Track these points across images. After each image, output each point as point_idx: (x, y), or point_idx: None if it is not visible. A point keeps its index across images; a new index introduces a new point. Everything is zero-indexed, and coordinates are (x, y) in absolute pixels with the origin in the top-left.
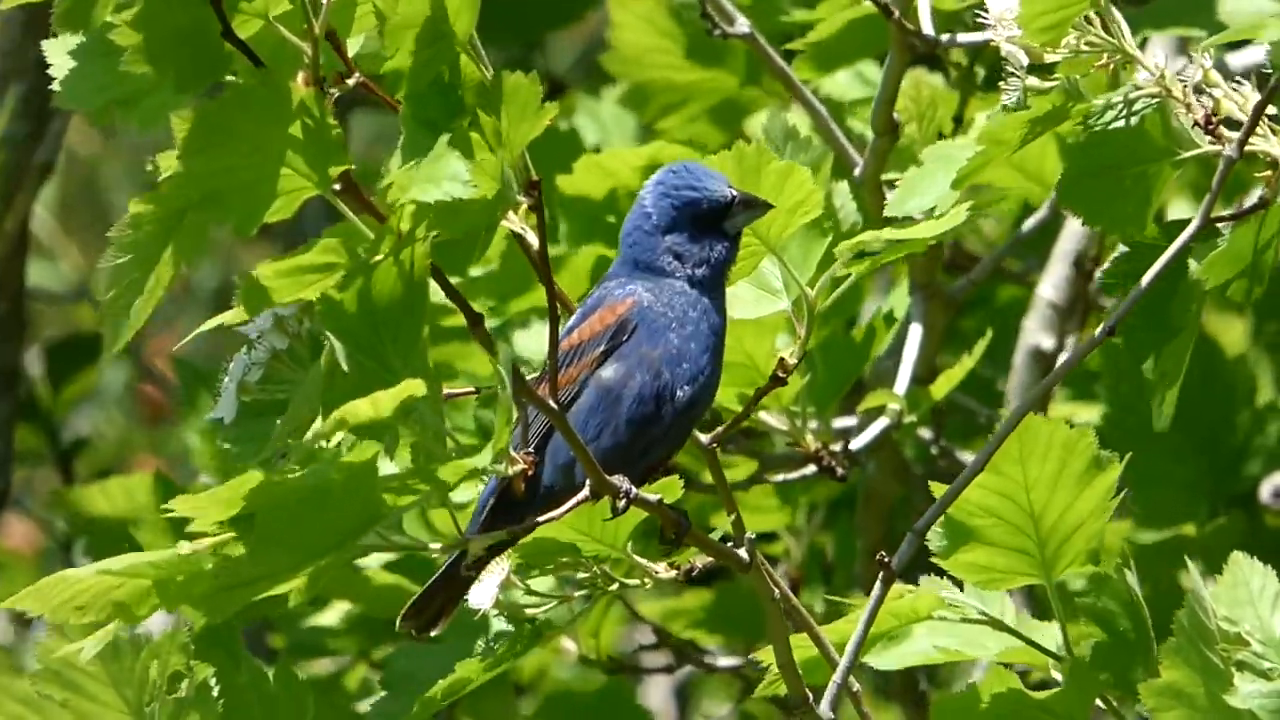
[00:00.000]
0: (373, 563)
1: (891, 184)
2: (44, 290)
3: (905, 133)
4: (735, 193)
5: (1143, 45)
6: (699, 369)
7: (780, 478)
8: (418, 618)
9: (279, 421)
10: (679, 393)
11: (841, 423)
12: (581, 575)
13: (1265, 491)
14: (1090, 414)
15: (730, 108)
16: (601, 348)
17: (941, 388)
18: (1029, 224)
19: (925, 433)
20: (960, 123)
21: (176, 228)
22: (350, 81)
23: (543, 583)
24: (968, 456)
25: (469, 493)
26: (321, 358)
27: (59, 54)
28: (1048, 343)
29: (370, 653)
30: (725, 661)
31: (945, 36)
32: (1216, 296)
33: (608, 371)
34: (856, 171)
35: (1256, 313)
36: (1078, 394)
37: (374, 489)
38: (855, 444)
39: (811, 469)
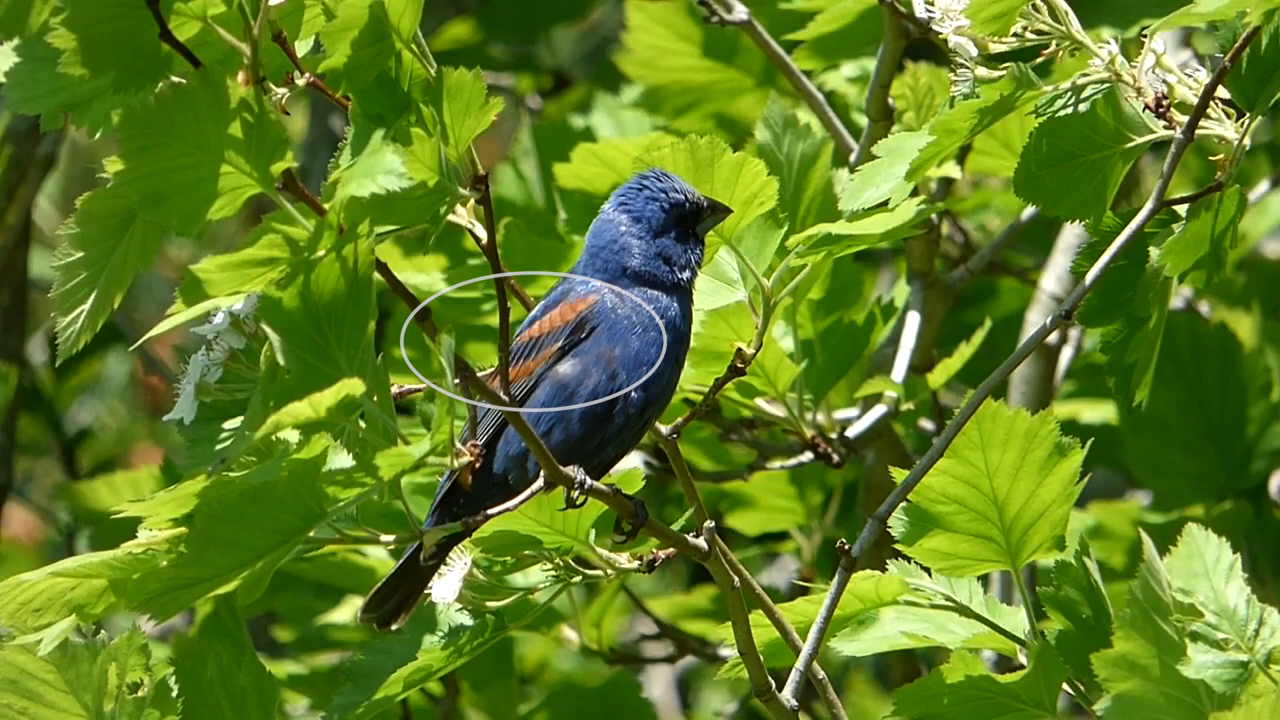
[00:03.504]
0: (380, 554)
1: None
2: (47, 280)
3: (903, 121)
4: (708, 199)
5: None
6: (656, 373)
7: (777, 465)
8: (378, 610)
9: (225, 425)
10: (634, 395)
11: (843, 414)
12: (545, 568)
13: (1276, 485)
14: (1096, 411)
15: (744, 108)
16: (559, 343)
17: (939, 377)
18: (1027, 213)
19: (927, 424)
20: None
21: (127, 227)
22: (300, 81)
23: (528, 576)
24: None
25: None
26: (262, 355)
27: (6, 59)
28: (1051, 335)
29: None
30: (728, 652)
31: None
32: (1223, 292)
33: (564, 367)
34: (851, 157)
35: (1263, 308)
36: (1084, 390)
37: (317, 484)
38: (852, 431)
39: (808, 456)
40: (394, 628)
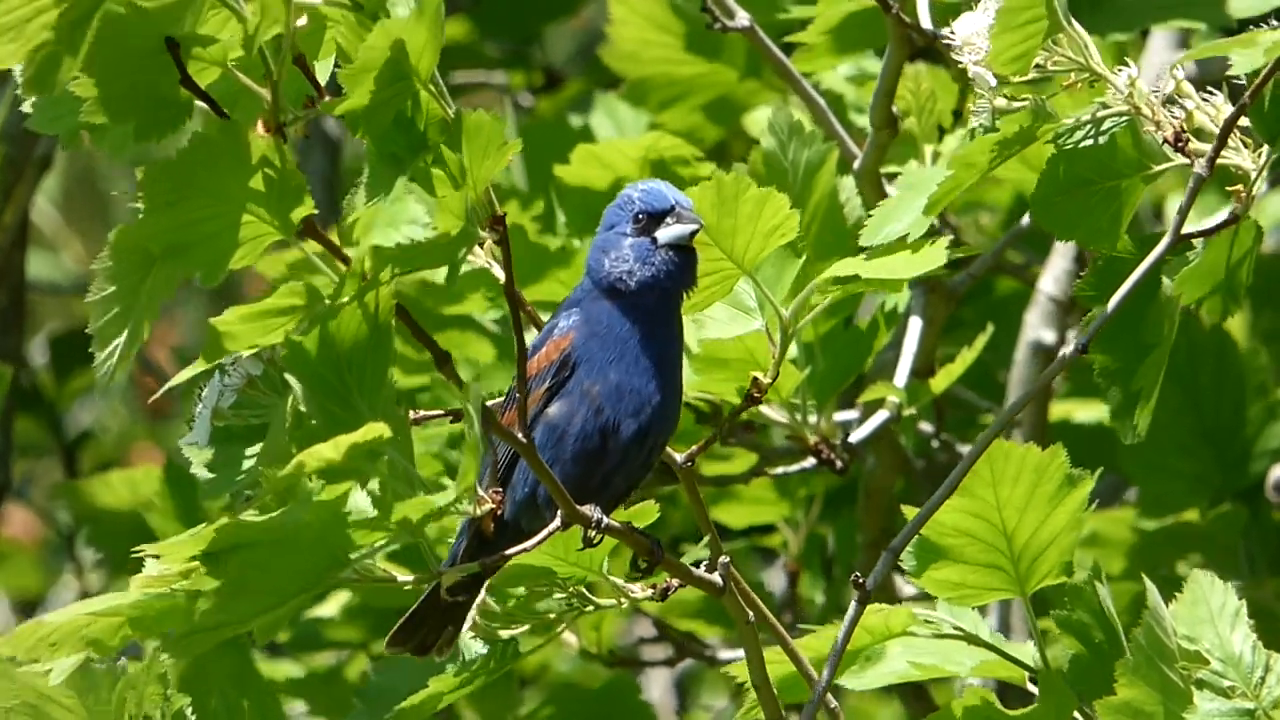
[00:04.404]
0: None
1: (890, 177)
2: (44, 281)
3: (904, 125)
4: (681, 209)
5: (1144, 38)
6: (644, 400)
7: (780, 471)
8: (406, 643)
9: (250, 454)
10: (623, 427)
11: (842, 416)
12: (557, 596)
13: (1270, 484)
14: (1090, 411)
15: (730, 101)
16: (546, 384)
17: (941, 382)
18: (1028, 218)
19: (925, 426)
20: (960, 116)
21: (154, 259)
22: (318, 106)
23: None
24: (967, 449)
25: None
26: (286, 403)
27: None
28: (1049, 337)
29: (370, 644)
30: (725, 654)
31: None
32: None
33: (552, 409)
34: (855, 164)
35: (1254, 304)
36: (1078, 390)
37: (343, 529)
38: (854, 437)
39: (811, 462)
40: (438, 659)
